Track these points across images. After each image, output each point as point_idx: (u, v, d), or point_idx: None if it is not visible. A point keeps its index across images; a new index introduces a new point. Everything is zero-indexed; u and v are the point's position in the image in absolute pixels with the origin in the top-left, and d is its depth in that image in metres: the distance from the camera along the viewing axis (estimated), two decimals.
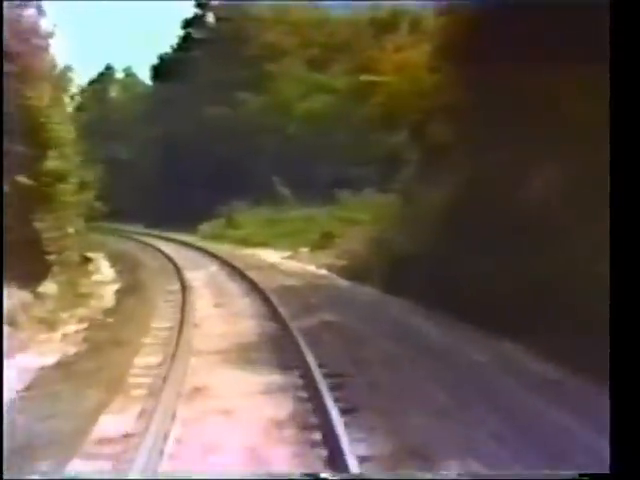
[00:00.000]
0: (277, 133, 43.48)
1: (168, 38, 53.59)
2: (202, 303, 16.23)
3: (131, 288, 18.50)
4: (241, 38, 46.88)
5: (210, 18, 50.88)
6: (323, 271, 22.68)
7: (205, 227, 41.51)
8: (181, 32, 51.33)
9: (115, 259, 27.06)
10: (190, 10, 52.24)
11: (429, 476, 6.54)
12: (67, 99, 22.64)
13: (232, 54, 46.18)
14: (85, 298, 15.78)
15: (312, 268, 23.68)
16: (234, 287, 19.02)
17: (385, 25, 42.93)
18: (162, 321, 13.76)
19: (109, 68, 59.95)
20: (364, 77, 31.60)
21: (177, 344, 11.13)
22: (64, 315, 13.57)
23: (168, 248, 30.97)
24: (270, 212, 38.14)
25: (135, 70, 60.51)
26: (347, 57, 45.41)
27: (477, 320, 12.52)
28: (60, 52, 20.38)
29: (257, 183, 40.37)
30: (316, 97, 43.99)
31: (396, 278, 16.37)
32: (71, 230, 16.92)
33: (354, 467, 6.45)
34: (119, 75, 60.79)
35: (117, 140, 53.67)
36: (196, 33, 50.50)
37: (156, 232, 42.25)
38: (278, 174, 40.28)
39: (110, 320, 14.18)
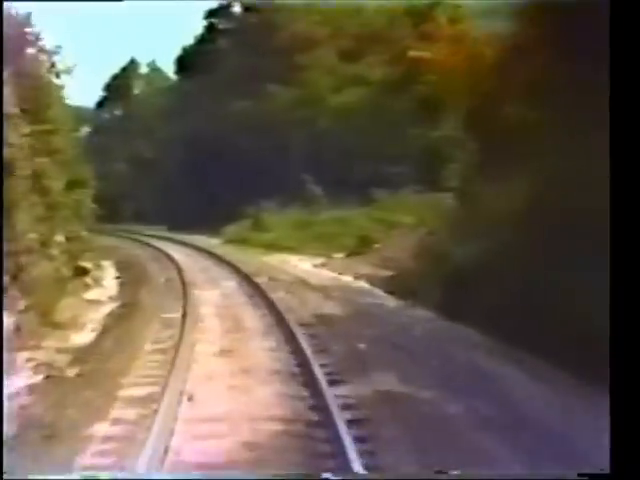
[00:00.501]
0: (308, 128, 40.13)
1: (192, 29, 50.26)
2: (204, 348, 11.63)
3: (123, 315, 14.64)
4: (269, 28, 43.55)
5: (236, 7, 47.73)
6: (363, 284, 19.19)
7: (230, 229, 38.18)
8: (206, 22, 48.23)
9: (123, 268, 23.88)
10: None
11: (429, 476, 6.20)
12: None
13: (259, 45, 42.94)
14: (58, 329, 12.06)
15: (349, 279, 20.24)
16: (253, 317, 14.39)
17: (422, 14, 39.68)
18: (138, 387, 9.22)
19: (133, 62, 57.09)
20: (413, 53, 27.96)
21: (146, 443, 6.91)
22: (19, 358, 9.87)
23: (184, 256, 27.52)
24: (300, 213, 34.65)
25: (159, 64, 57.70)
26: (382, 48, 42.08)
27: (576, 368, 9.15)
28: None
29: (286, 182, 37.05)
30: (350, 90, 40.56)
31: (457, 298, 13.01)
32: (59, 238, 13.85)
33: None
34: (143, 70, 57.94)
35: (140, 137, 50.75)
36: (221, 23, 47.31)
37: (178, 235, 39.20)
38: (309, 172, 36.95)
39: (71, 374, 9.94)
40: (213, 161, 41.05)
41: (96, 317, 14.28)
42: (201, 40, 48.42)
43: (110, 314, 14.81)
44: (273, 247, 31.11)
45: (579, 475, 5.28)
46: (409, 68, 38.61)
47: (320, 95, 40.98)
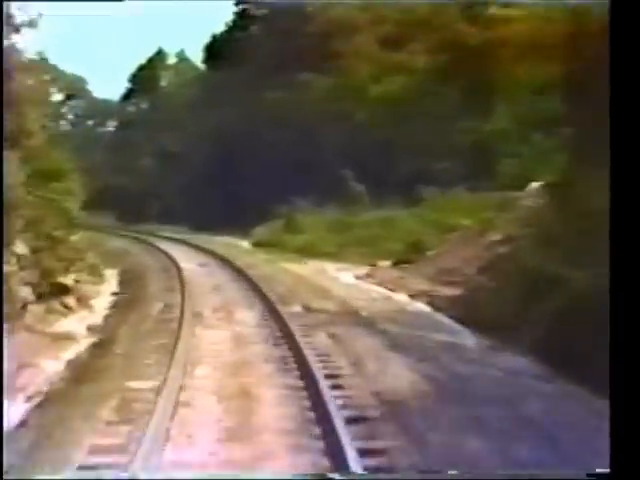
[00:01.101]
0: (346, 120, 36.19)
1: (223, 15, 46.34)
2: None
3: (81, 375, 9.31)
4: (304, 14, 39.68)
5: None
6: (422, 306, 14.97)
7: (260, 231, 34.28)
8: (237, 8, 44.37)
9: (126, 281, 19.97)
10: None
11: (432, 476, 6.13)
12: None
13: (294, 31, 39.03)
14: None
15: (404, 300, 16.00)
16: (279, 401, 8.20)
17: None
18: None
19: (160, 52, 53.45)
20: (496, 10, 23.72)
21: None
22: None
23: (198, 267, 23.02)
24: (338, 213, 30.50)
25: (188, 53, 53.93)
26: (426, 34, 38.07)
27: None
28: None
29: (323, 178, 33.19)
30: (391, 79, 36.52)
31: (571, 340, 9.12)
32: (19, 248, 10.18)
33: None
34: (171, 60, 54.34)
35: (167, 131, 47.16)
36: (253, 9, 43.50)
37: (204, 236, 35.49)
38: (347, 168, 33.08)
39: None
40: (243, 156, 37.23)
41: (46, 373, 9.38)
42: (232, 27, 44.64)
43: (71, 364, 9.92)
44: (308, 252, 27.15)
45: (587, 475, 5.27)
46: (458, 55, 34.90)
47: (359, 84, 36.98)
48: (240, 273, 20.32)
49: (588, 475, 5.29)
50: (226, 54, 42.16)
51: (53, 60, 48.67)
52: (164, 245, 31.24)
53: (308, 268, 23.11)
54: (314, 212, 31.89)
